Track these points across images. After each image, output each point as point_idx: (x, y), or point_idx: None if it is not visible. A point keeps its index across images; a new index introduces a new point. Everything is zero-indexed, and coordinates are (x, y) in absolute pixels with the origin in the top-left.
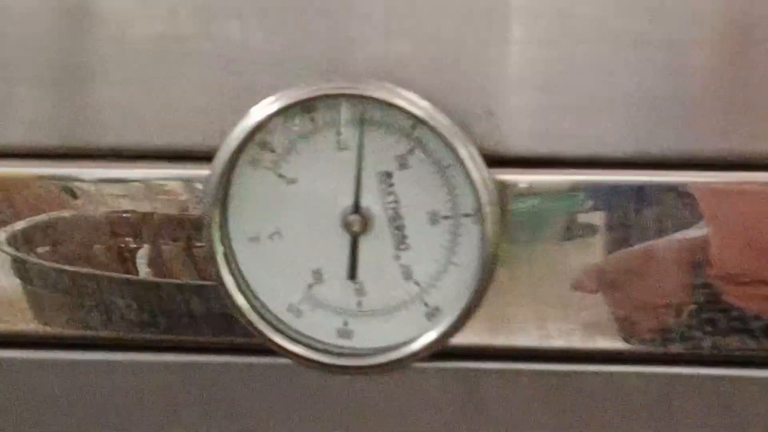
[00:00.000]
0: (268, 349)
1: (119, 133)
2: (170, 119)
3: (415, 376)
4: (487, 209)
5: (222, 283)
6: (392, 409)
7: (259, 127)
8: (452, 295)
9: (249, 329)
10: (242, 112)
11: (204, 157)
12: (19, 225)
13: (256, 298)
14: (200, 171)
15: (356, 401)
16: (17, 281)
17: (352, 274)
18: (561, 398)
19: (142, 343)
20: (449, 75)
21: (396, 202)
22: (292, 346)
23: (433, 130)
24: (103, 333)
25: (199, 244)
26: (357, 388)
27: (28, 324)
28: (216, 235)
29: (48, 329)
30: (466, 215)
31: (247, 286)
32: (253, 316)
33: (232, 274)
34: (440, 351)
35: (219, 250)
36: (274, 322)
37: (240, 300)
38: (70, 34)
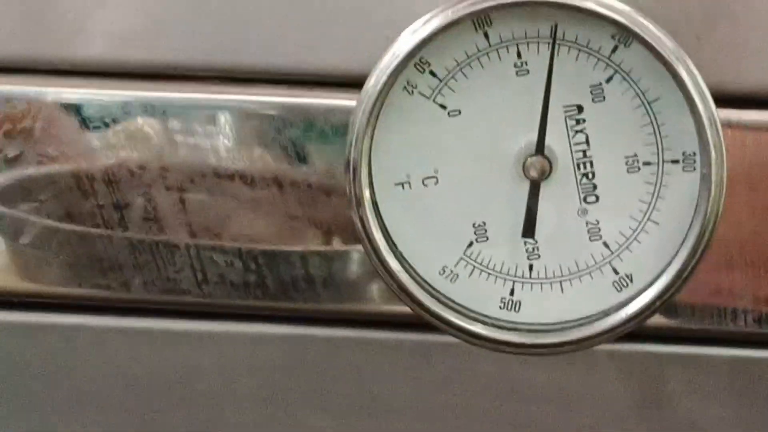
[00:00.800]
0: (393, 321)
1: (250, 55)
2: (309, 40)
3: (582, 360)
4: (714, 154)
5: (368, 237)
6: (550, 398)
7: (420, 45)
8: (650, 261)
9: (399, 295)
10: (391, 28)
11: (343, 83)
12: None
13: (404, 257)
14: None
15: (505, 387)
16: None
17: (529, 230)
18: (763, 391)
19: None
20: None
21: (586, 143)
22: (453, 317)
23: (646, 46)
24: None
25: None
26: (505, 370)
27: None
28: (364, 178)
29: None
30: (675, 161)
31: (393, 243)
32: (405, 279)
33: (380, 226)
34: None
35: (366, 194)
36: (426, 288)
37: (393, 264)
38: None
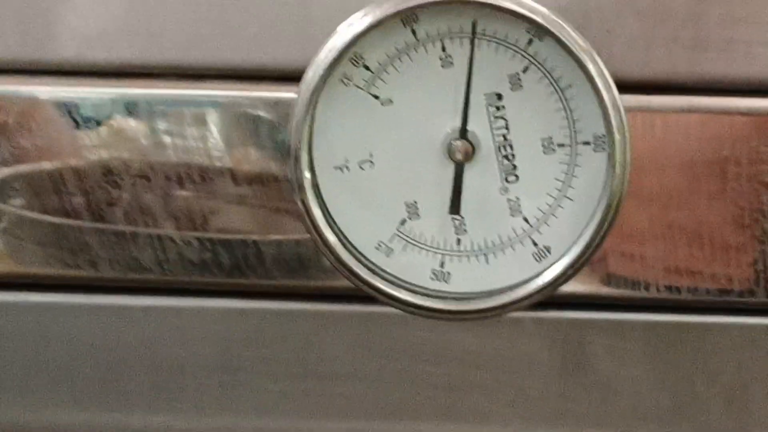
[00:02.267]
0: (337, 294)
1: (186, 50)
2: (247, 35)
3: (511, 327)
4: (618, 135)
5: (309, 216)
6: (482, 363)
7: (353, 41)
8: (565, 234)
9: (337, 268)
10: (328, 24)
11: (281, 77)
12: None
13: (342, 234)
14: (277, 93)
15: (440, 353)
16: None
17: (455, 207)
18: (674, 353)
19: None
20: None
21: (505, 127)
22: (387, 287)
23: (556, 40)
24: (154, 276)
25: None
26: (440, 338)
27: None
28: (304, 163)
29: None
30: (586, 143)
31: (333, 221)
32: (343, 254)
33: (319, 205)
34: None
35: (307, 177)
36: (363, 261)
37: (329, 236)
38: None
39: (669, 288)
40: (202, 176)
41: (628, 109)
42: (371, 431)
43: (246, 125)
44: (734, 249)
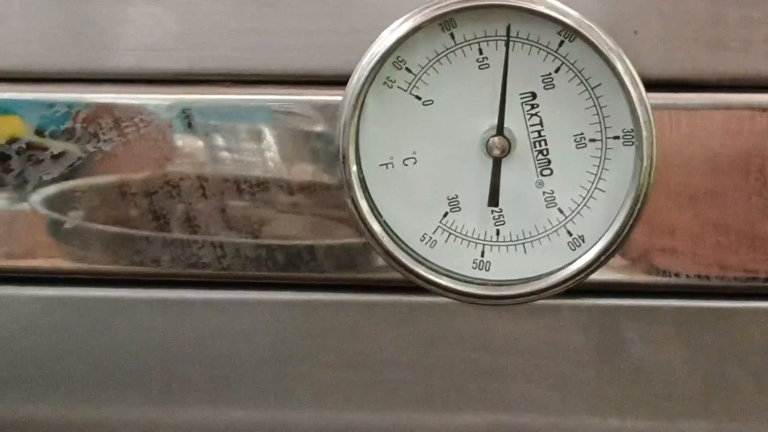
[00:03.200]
0: (385, 286)
1: (238, 57)
2: (296, 43)
3: (549, 314)
4: (644, 130)
5: (357, 211)
6: (522, 349)
7: (396, 46)
8: (598, 224)
9: (385, 259)
10: (372, 31)
11: (328, 81)
12: None
13: (388, 226)
14: (324, 97)
15: (482, 341)
16: None
17: (494, 200)
18: (704, 337)
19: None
20: None
21: (540, 124)
22: (430, 275)
23: (586, 42)
24: (212, 271)
25: None
26: (482, 327)
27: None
28: (352, 161)
29: (156, 269)
30: (615, 138)
31: (379, 214)
32: (389, 244)
33: (367, 201)
34: (578, 287)
35: (354, 174)
36: (408, 252)
37: (376, 227)
38: None
39: (698, 275)
40: (257, 179)
41: (655, 106)
42: (419, 418)
43: (296, 128)
44: (759, 238)
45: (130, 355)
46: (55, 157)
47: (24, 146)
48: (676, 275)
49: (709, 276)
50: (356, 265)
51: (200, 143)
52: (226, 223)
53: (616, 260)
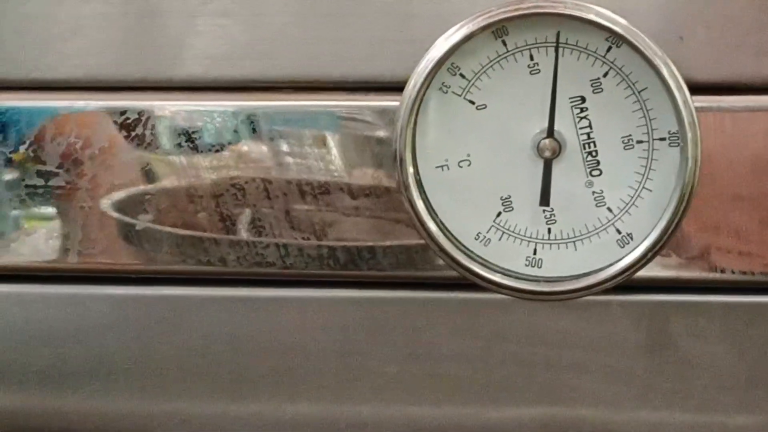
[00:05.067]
0: (444, 283)
1: (299, 65)
2: (356, 51)
3: (600, 310)
4: (689, 132)
5: (414, 211)
6: (575, 343)
7: (451, 51)
8: (646, 222)
9: (441, 257)
10: (428, 39)
11: (387, 87)
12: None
13: (444, 225)
14: (384, 102)
15: (537, 336)
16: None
17: (545, 199)
18: (755, 333)
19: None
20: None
21: (589, 126)
22: (484, 272)
23: (633, 48)
24: (277, 269)
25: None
26: (537, 322)
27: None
28: (408, 162)
29: (223, 268)
30: (662, 139)
31: (436, 215)
32: (445, 243)
33: (423, 201)
34: (627, 283)
35: (411, 176)
36: (463, 250)
37: (432, 227)
38: None
39: (743, 271)
40: (319, 181)
41: (700, 109)
42: (476, 411)
43: (357, 133)
44: None
45: (199, 351)
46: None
47: (96, 152)
48: (722, 271)
49: (754, 272)
50: (415, 264)
51: (264, 148)
52: (290, 225)
53: (665, 257)
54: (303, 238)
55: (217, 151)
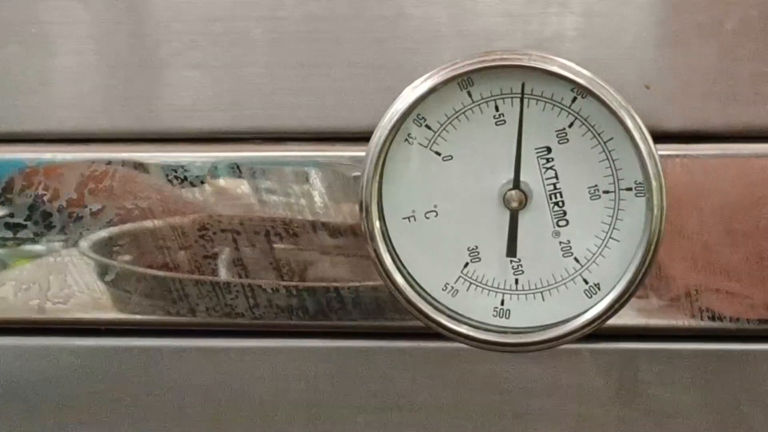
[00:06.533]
0: (414, 332)
1: (269, 115)
2: (323, 100)
3: (570, 358)
4: (654, 182)
5: (380, 262)
6: (545, 392)
7: (416, 103)
8: (613, 272)
9: (408, 308)
10: (396, 90)
11: (355, 137)
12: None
13: (411, 277)
14: (349, 152)
15: (508, 384)
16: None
17: (512, 251)
18: (725, 380)
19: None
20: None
21: (555, 177)
22: (451, 323)
23: (598, 100)
24: (246, 320)
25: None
26: (507, 370)
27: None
28: (374, 213)
29: (192, 318)
30: (628, 189)
31: (402, 265)
32: (412, 295)
33: (389, 252)
34: (596, 332)
35: (377, 227)
36: (430, 301)
37: (398, 278)
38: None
39: (712, 317)
40: (286, 229)
41: (667, 157)
42: None
43: (322, 181)
44: None
45: (170, 401)
46: (95, 214)
47: (64, 204)
48: (691, 318)
49: (722, 318)
50: (384, 313)
51: (226, 194)
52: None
53: (633, 304)
54: (271, 289)
55: (188, 201)
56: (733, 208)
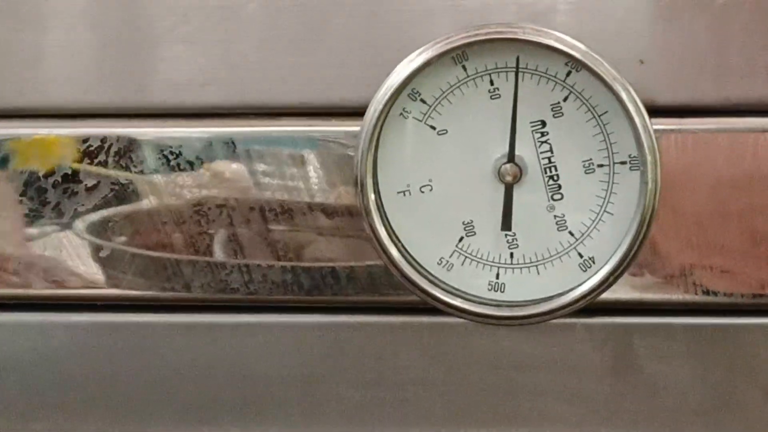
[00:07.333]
0: (409, 307)
1: (263, 90)
2: (317, 76)
3: (564, 333)
4: (649, 155)
5: (376, 236)
6: (540, 367)
7: (410, 77)
8: (608, 245)
9: (403, 282)
10: (390, 64)
11: (349, 113)
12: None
13: (406, 251)
14: (346, 127)
15: (502, 359)
16: None
17: (507, 224)
18: (718, 354)
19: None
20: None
21: (550, 151)
22: (446, 297)
23: (592, 73)
24: (241, 295)
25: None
26: (502, 345)
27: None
28: (369, 188)
29: (187, 294)
30: (622, 163)
31: (398, 240)
32: (407, 268)
33: (385, 227)
34: (590, 306)
35: (372, 201)
36: (425, 275)
37: (394, 252)
38: None
39: (706, 292)
40: (281, 205)
41: (661, 132)
42: None
43: (318, 157)
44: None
45: (165, 377)
46: (89, 189)
47: (59, 179)
48: (685, 292)
49: (717, 292)
50: (378, 288)
51: (228, 174)
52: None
53: (627, 279)
54: (267, 266)
55: (181, 172)
56: (727, 182)
